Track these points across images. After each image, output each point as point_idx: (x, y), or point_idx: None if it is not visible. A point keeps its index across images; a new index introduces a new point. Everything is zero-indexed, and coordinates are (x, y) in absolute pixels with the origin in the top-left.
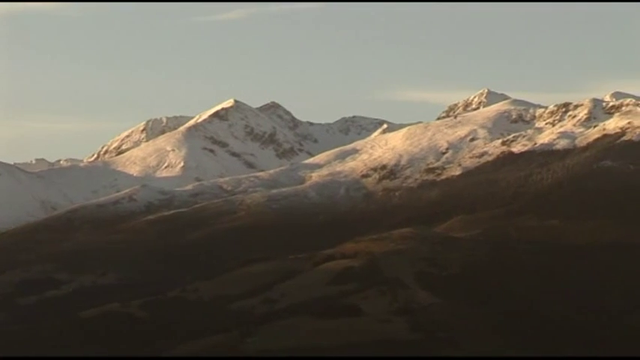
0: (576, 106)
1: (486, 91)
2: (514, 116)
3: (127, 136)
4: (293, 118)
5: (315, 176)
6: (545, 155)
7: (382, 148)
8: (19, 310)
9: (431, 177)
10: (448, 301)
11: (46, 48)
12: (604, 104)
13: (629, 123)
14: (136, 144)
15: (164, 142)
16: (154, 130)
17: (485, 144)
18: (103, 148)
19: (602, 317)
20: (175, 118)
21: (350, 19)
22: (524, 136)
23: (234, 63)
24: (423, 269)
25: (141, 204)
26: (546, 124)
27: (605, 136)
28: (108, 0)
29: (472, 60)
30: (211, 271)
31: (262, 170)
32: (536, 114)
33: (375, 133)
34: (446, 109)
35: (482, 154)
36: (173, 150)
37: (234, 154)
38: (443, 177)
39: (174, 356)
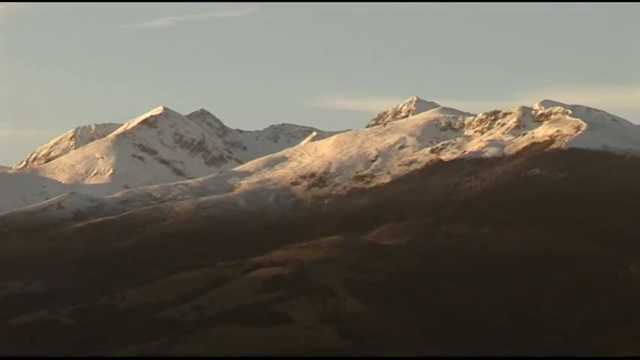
0: (505, 114)
1: (415, 99)
2: (443, 124)
3: (56, 144)
4: (222, 126)
5: (245, 184)
6: (474, 163)
7: (311, 155)
8: None
9: (360, 185)
10: (377, 308)
11: None
12: (533, 112)
13: (557, 131)
14: (65, 151)
15: (93, 149)
16: (82, 137)
17: (414, 152)
18: (31, 155)
19: (530, 324)
20: (104, 125)
21: (279, 26)
22: (453, 144)
23: (163, 70)
24: (351, 277)
25: (69, 211)
26: (475, 132)
27: (533, 144)
28: (35, 0)
29: (401, 68)
30: (140, 279)
31: (191, 178)
32: (465, 122)
33: (305, 141)
34: (375, 116)
35: (411, 162)
36: (102, 157)
37: (163, 162)
38: (372, 185)
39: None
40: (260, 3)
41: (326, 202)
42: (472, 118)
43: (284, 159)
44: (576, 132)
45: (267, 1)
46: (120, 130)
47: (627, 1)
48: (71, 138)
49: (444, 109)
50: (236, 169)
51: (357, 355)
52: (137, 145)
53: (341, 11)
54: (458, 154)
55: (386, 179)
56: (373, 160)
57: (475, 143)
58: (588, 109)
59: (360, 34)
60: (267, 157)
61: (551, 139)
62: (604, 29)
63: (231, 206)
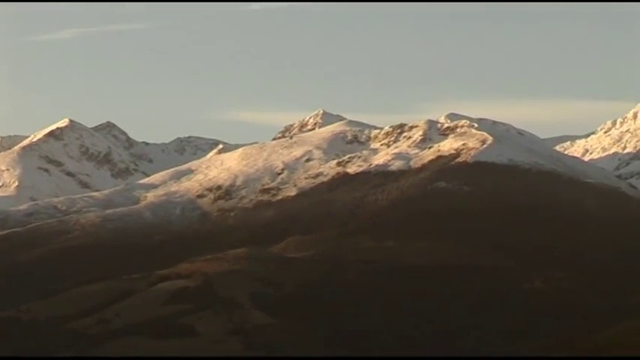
0: (411, 128)
1: (322, 112)
2: (349, 137)
3: None
4: (128, 138)
5: (151, 196)
6: (381, 176)
7: (218, 168)
8: None
9: (266, 197)
10: (283, 321)
11: None
12: (439, 126)
13: (463, 144)
14: None
15: None
16: None
17: (320, 165)
18: None
19: (436, 336)
20: (10, 137)
21: (183, 39)
22: (359, 157)
23: (69, 83)
24: (257, 289)
25: None
26: (381, 145)
27: (439, 157)
28: None
29: (308, 81)
30: (46, 291)
31: (97, 190)
32: (372, 135)
33: (211, 154)
34: (282, 129)
35: (317, 175)
36: (7, 169)
37: (69, 174)
38: (278, 197)
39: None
40: (167, 15)
41: (232, 214)
42: (378, 131)
43: (190, 171)
44: (482, 145)
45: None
46: (25, 142)
47: (533, 17)
48: None
49: (351, 122)
50: (142, 181)
51: None
52: (43, 157)
53: (247, 24)
54: (364, 167)
55: (292, 192)
56: (279, 173)
57: (381, 156)
58: (494, 122)
59: (266, 47)
60: (173, 169)
61: (457, 153)
62: (509, 43)
63: (137, 219)
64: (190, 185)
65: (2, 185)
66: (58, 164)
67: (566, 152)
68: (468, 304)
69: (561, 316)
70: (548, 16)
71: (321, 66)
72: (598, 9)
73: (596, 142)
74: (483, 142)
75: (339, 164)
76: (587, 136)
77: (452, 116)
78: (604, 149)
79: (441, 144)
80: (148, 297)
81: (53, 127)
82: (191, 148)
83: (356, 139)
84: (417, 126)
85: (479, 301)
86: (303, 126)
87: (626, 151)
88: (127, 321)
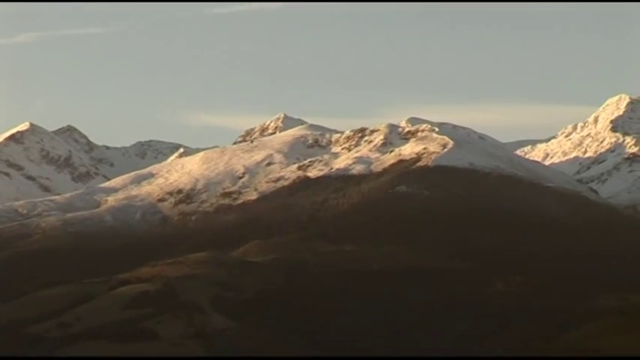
0: (372, 132)
1: (283, 115)
2: (310, 141)
3: None
4: (89, 142)
5: (111, 200)
6: (341, 180)
7: (178, 172)
8: None
9: (227, 201)
10: (244, 325)
11: None
12: (400, 130)
13: (424, 148)
14: None
15: None
16: None
17: (281, 169)
18: None
19: (396, 341)
20: None
21: (144, 42)
22: (320, 161)
23: (29, 86)
24: (218, 293)
25: None
26: (342, 149)
27: (400, 161)
28: None
29: (269, 85)
30: (6, 295)
31: (58, 194)
32: (333, 139)
33: (172, 157)
34: (242, 133)
35: (278, 179)
36: None
37: (29, 178)
38: (239, 201)
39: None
40: (127, 18)
41: (193, 218)
42: (339, 135)
43: (151, 175)
44: (443, 149)
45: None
46: None
47: (493, 21)
48: None
49: (312, 126)
50: (103, 185)
51: None
52: (3, 160)
53: (209, 27)
54: (325, 171)
55: (253, 196)
56: (240, 177)
57: (342, 160)
58: (455, 126)
59: (227, 50)
60: (134, 173)
61: (418, 157)
62: (470, 47)
63: (98, 222)
64: (151, 189)
65: None
66: (19, 168)
67: (526, 156)
68: (428, 308)
69: (522, 320)
70: (509, 19)
71: (282, 70)
72: (558, 11)
73: (556, 147)
74: (444, 146)
75: (299, 168)
76: (548, 140)
77: (413, 120)
78: (565, 153)
79: (402, 148)
80: (109, 301)
81: (13, 130)
82: (152, 151)
83: (317, 143)
84: (378, 130)
85: (440, 304)
86: (264, 130)
87: (586, 156)
88: (87, 325)
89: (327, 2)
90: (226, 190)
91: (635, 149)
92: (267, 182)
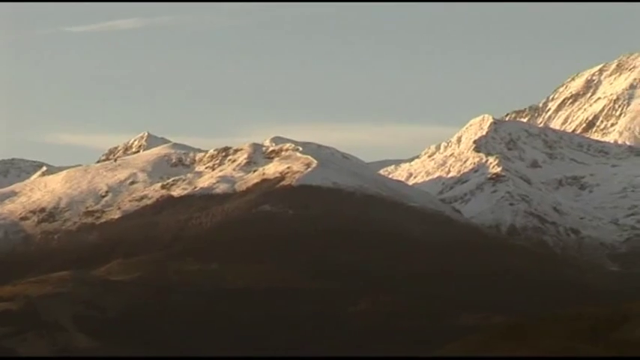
0: (236, 151)
1: (146, 134)
2: (174, 160)
3: None
4: None
5: None
6: (205, 199)
7: (41, 190)
8: None
9: (90, 220)
10: (107, 344)
11: None
12: (264, 149)
13: (288, 168)
14: None
15: None
16: None
17: (145, 187)
18: None
19: None
20: None
21: (5, 60)
22: (184, 180)
23: None
24: (81, 312)
25: None
26: (206, 168)
27: (264, 180)
28: None
29: (132, 103)
30: None
31: None
32: (197, 158)
33: (35, 176)
34: (106, 152)
35: (142, 198)
36: None
37: None
38: (102, 220)
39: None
40: None
41: (56, 237)
42: (203, 154)
43: (13, 194)
44: (307, 169)
45: None
46: None
47: (359, 42)
48: None
49: (175, 145)
50: None
51: None
52: None
53: (67, 45)
54: (189, 190)
55: (116, 215)
56: (104, 196)
57: (206, 179)
58: (319, 146)
59: (88, 68)
60: None
61: (282, 176)
62: (335, 67)
63: None
64: (14, 207)
65: None
66: None
67: (390, 176)
68: (293, 328)
69: (386, 339)
70: (372, 40)
71: (145, 88)
72: (421, 32)
73: (420, 166)
74: (308, 165)
75: (163, 187)
76: (412, 160)
77: (277, 140)
78: (428, 173)
79: (266, 167)
80: None
81: None
82: (15, 170)
83: (180, 162)
84: (241, 149)
85: (304, 324)
86: (127, 149)
87: (449, 175)
88: None
89: (188, 19)
90: (89, 209)
91: (498, 169)
92: (130, 201)
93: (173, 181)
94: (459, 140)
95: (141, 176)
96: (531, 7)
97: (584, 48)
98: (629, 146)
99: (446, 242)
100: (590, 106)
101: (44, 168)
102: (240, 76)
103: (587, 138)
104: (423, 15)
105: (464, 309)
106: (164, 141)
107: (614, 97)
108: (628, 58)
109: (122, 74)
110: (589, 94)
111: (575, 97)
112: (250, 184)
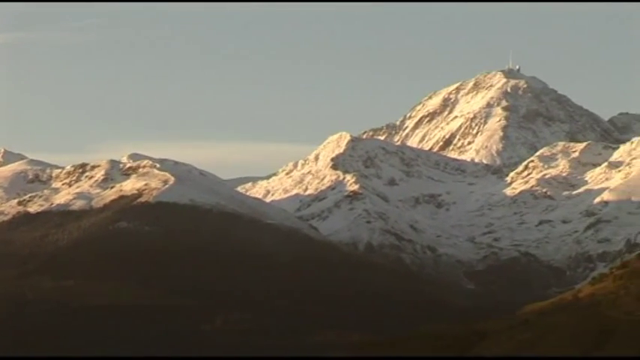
0: (93, 167)
1: (3, 150)
2: (31, 176)
3: None
4: None
5: None
6: (62, 215)
7: None
8: None
9: None
10: None
11: None
12: (121, 165)
13: (145, 184)
14: None
15: None
16: None
17: (1, 204)
18: None
19: None
20: None
21: None
22: (40, 197)
23: None
24: None
25: None
26: (63, 184)
27: (121, 197)
28: None
29: None
30: None
31: None
32: (54, 174)
33: None
34: None
35: None
36: None
37: None
38: None
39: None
40: None
41: None
42: (60, 170)
43: None
44: (164, 185)
45: None
46: None
47: (217, 62)
48: None
49: (32, 161)
50: None
51: None
52: None
53: None
54: (45, 206)
55: None
56: None
57: (63, 196)
58: (176, 163)
59: None
60: None
61: (140, 193)
62: (190, 86)
63: None
64: None
65: None
66: None
67: (248, 193)
68: (147, 345)
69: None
70: (231, 60)
71: (1, 104)
72: (284, 52)
73: (277, 184)
74: (165, 182)
75: (19, 203)
76: (269, 177)
77: (134, 156)
78: (286, 190)
79: (123, 184)
80: None
81: None
82: None
83: (37, 179)
84: (99, 165)
85: (158, 341)
86: None
87: (307, 193)
88: None
89: (42, 36)
90: None
91: (355, 187)
92: None
93: (30, 197)
94: (316, 158)
95: None
96: (388, 25)
97: (441, 66)
98: (486, 165)
99: (303, 259)
100: (447, 124)
101: None
102: (97, 92)
103: (444, 156)
104: (278, 34)
105: (319, 326)
106: (21, 157)
107: (471, 115)
108: (485, 76)
109: None
110: (446, 113)
111: (432, 116)
112: (107, 200)
